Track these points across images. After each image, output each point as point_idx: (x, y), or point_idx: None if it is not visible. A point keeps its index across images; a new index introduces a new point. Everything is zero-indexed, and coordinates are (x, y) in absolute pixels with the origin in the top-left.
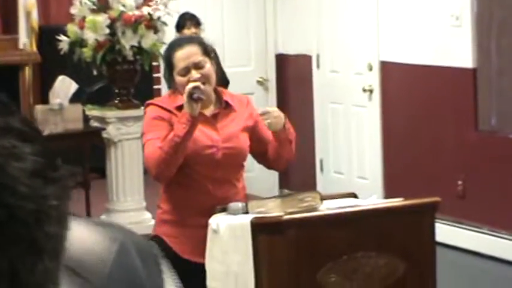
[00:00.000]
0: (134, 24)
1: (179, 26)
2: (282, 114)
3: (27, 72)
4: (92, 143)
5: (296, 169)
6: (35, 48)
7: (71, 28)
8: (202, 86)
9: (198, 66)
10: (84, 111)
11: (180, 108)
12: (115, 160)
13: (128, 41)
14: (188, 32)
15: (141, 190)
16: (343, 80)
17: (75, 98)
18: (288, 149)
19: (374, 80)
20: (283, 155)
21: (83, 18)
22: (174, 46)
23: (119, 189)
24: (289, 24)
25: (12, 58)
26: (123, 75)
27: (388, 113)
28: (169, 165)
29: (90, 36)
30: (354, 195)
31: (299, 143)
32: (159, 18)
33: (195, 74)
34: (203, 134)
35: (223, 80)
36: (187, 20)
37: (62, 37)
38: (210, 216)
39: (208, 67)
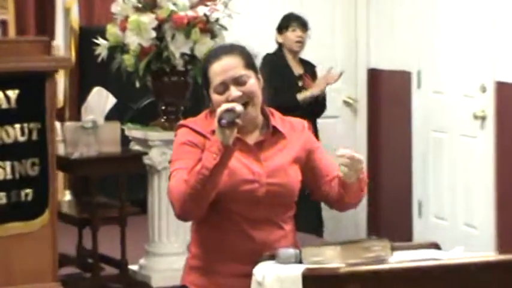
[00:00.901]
0: (187, 27)
1: (281, 28)
2: (363, 165)
3: (60, 80)
4: (131, 170)
5: (389, 211)
6: (73, 53)
7: (111, 29)
8: (238, 108)
9: (238, 82)
10: (123, 131)
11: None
12: (158, 192)
13: (178, 48)
14: (292, 35)
15: (188, 230)
16: (449, 104)
17: (119, 116)
18: (356, 196)
19: (488, 104)
20: (348, 201)
21: (125, 18)
22: (210, 57)
23: (161, 228)
24: (384, 34)
25: (37, 64)
26: (171, 88)
27: (504, 145)
28: (197, 203)
29: (132, 40)
30: (436, 246)
31: (393, 180)
32: (217, 20)
33: (234, 91)
34: (243, 166)
35: (320, 105)
36: (292, 20)
37: (100, 40)
38: (247, 263)
39: (252, 83)
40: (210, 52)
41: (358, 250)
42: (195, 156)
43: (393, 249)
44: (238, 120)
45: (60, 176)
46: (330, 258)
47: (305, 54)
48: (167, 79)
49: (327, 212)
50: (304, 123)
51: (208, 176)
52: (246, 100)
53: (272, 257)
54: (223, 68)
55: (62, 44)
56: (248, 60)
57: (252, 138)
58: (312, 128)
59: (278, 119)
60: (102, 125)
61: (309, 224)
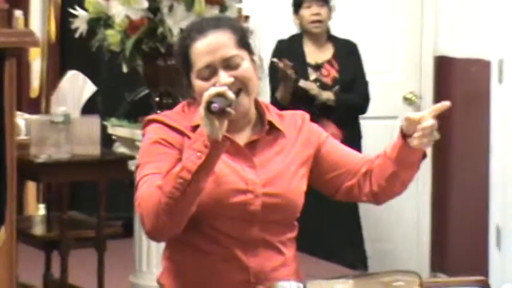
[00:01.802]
0: None
1: (295, 6)
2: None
3: (34, 63)
4: (113, 179)
5: (459, 240)
6: (53, 28)
7: None
8: (230, 94)
9: (229, 64)
10: (105, 128)
11: (198, 128)
12: None
13: (177, 22)
14: (306, 13)
15: None
16: None
17: (112, 110)
18: (412, 173)
19: None
20: (398, 183)
21: None
22: (192, 32)
23: (151, 254)
24: (457, 12)
25: None
26: (166, 74)
27: None
28: (173, 216)
29: (118, 12)
30: (484, 283)
31: (465, 200)
32: None
33: (224, 76)
34: (232, 172)
35: (356, 103)
36: None
37: (79, 11)
38: None
39: (246, 67)
40: (191, 26)
41: (376, 285)
42: (171, 158)
43: (423, 285)
44: (230, 110)
45: (32, 185)
46: None
47: (355, 37)
48: (162, 62)
49: (378, 243)
50: (305, 115)
51: (190, 181)
52: (239, 87)
53: None
54: (210, 46)
55: (38, 16)
56: (241, 38)
57: (242, 138)
58: (354, 132)
59: (274, 114)
60: (77, 120)
61: (346, 253)
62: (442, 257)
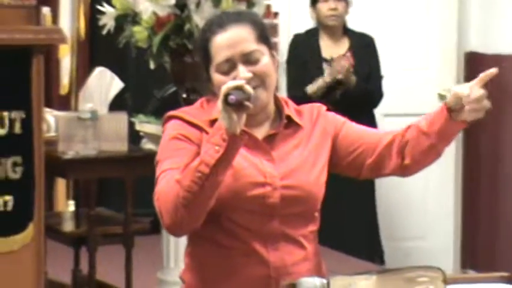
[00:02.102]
0: None
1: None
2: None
3: (64, 60)
4: (141, 175)
5: (490, 241)
6: (82, 25)
7: None
8: (248, 89)
9: (248, 59)
10: (132, 124)
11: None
12: None
13: (204, 18)
14: (323, 7)
15: None
16: None
17: (141, 107)
18: (449, 143)
19: None
20: (434, 154)
21: None
22: (212, 26)
23: (179, 250)
24: (489, 5)
25: (19, 36)
26: (193, 71)
27: None
28: (191, 211)
29: (145, 8)
30: (508, 278)
31: (495, 198)
32: None
33: (243, 71)
34: (251, 166)
35: (373, 92)
36: None
37: (106, 7)
38: None
39: (266, 62)
40: (211, 19)
41: (400, 281)
42: (190, 153)
43: (447, 281)
44: (248, 104)
45: (62, 182)
46: None
47: (383, 32)
48: (189, 59)
49: (411, 241)
50: (320, 106)
51: (208, 175)
52: (256, 84)
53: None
54: (230, 40)
55: (67, 13)
56: (261, 32)
57: (261, 132)
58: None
59: (292, 109)
60: (104, 116)
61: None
62: (472, 256)
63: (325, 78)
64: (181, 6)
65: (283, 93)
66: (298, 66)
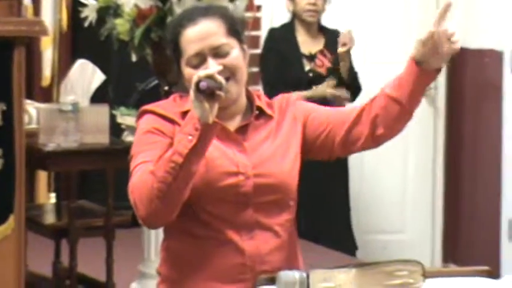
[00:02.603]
0: None
1: None
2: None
3: (46, 52)
4: (122, 168)
5: (471, 234)
6: (65, 17)
7: None
8: (220, 78)
9: (218, 52)
10: (113, 116)
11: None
12: None
13: None
14: (303, 1)
15: None
16: None
17: (123, 99)
18: (419, 101)
19: None
20: (406, 117)
21: None
22: (181, 20)
23: (159, 243)
24: (469, 4)
25: (2, 28)
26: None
27: None
28: (166, 201)
29: (127, 0)
30: (489, 273)
31: (478, 193)
32: None
33: (213, 64)
34: (223, 156)
35: (352, 85)
36: None
37: (89, 0)
38: (234, 282)
39: (236, 55)
40: (182, 14)
41: (379, 275)
42: (163, 146)
43: (426, 275)
44: (220, 92)
45: (43, 174)
46: (343, 284)
47: (365, 24)
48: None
49: (392, 234)
50: (289, 96)
51: (182, 164)
52: (227, 76)
53: (271, 281)
54: (199, 34)
55: (49, 5)
56: (231, 26)
57: (233, 125)
58: None
59: (264, 101)
60: (86, 109)
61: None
62: (453, 249)
63: (314, 92)
64: None
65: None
66: (276, 60)
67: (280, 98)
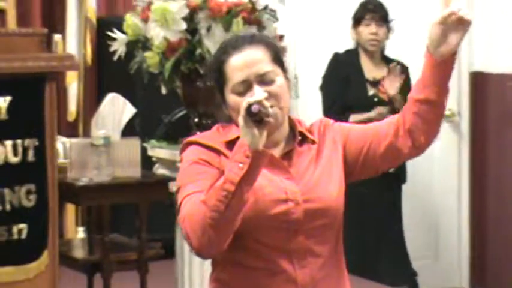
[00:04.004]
0: (226, 17)
1: (354, 21)
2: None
3: (71, 86)
4: (154, 200)
5: (499, 255)
6: (89, 51)
7: (130, 20)
8: (267, 104)
9: (263, 80)
10: (145, 150)
11: (233, 144)
12: None
13: (215, 43)
14: (365, 30)
15: None
16: None
17: (149, 132)
18: (446, 96)
19: None
20: (442, 112)
21: (148, 6)
22: (227, 47)
23: (193, 275)
24: (492, 26)
25: (31, 64)
26: (206, 95)
27: None
28: (219, 230)
29: (157, 33)
30: None
31: (506, 216)
32: (266, 8)
33: (259, 91)
34: (271, 184)
35: None
36: (366, 11)
37: (117, 33)
38: None
39: (280, 83)
40: (226, 42)
41: None
42: (211, 176)
43: None
44: (269, 119)
45: (71, 209)
46: None
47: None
48: (201, 83)
49: (417, 260)
50: (326, 120)
51: (234, 192)
52: (273, 103)
53: None
54: (246, 61)
55: (74, 39)
56: (275, 54)
57: (277, 152)
58: None
59: (304, 127)
60: (117, 142)
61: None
62: (482, 273)
63: (370, 114)
64: (192, 30)
65: (296, 113)
66: (339, 82)
67: (317, 123)
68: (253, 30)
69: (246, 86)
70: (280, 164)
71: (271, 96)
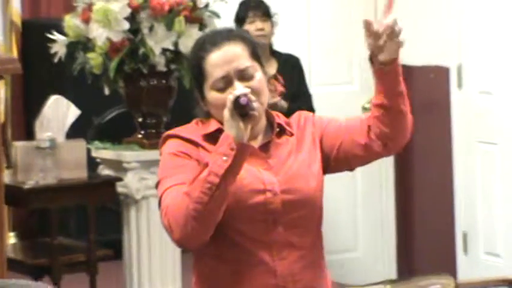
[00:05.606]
0: (168, 16)
1: (239, 18)
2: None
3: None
4: (101, 202)
5: (425, 246)
6: (15, 53)
7: (70, 21)
8: (254, 98)
9: (243, 75)
10: (89, 151)
11: (211, 137)
12: (136, 229)
13: (158, 42)
14: (251, 27)
15: (178, 277)
16: (500, 107)
17: (76, 133)
18: (404, 102)
19: None
20: (400, 117)
21: (89, 6)
22: (204, 45)
23: (142, 275)
24: (414, 19)
25: None
26: (149, 95)
27: None
28: (202, 222)
29: (99, 34)
30: (510, 283)
31: (430, 207)
32: (206, 6)
33: (239, 86)
34: (249, 174)
35: (307, 108)
36: (250, 9)
37: (56, 35)
38: None
39: (260, 78)
40: (203, 38)
41: None
42: (191, 169)
43: (458, 287)
44: (254, 112)
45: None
46: None
47: (311, 49)
48: (145, 83)
49: (345, 253)
50: (306, 114)
51: (218, 184)
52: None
53: None
54: (226, 57)
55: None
56: (253, 49)
57: (255, 144)
58: None
59: (282, 120)
60: (63, 145)
61: None
62: (408, 264)
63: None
64: (134, 30)
65: None
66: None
67: (297, 116)
68: (195, 29)
69: (226, 82)
70: (258, 155)
71: (252, 91)
